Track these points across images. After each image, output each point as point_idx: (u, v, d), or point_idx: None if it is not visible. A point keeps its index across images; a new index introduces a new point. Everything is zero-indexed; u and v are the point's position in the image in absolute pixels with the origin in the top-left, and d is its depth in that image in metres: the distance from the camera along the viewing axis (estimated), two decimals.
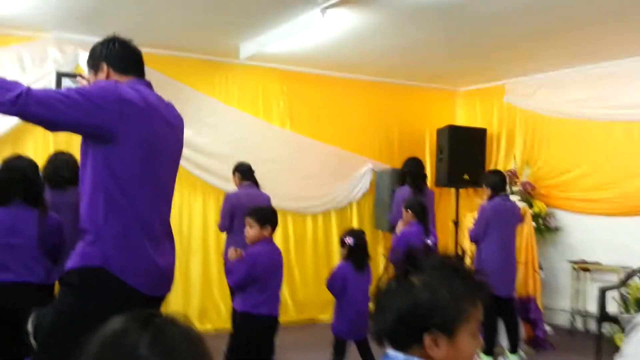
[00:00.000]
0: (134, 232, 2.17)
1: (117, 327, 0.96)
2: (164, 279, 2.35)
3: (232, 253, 3.82)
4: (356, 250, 4.31)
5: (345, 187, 7.09)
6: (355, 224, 7.03)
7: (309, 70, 6.86)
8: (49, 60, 5.47)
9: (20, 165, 3.30)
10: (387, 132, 7.48)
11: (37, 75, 5.36)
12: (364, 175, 7.20)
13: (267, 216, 3.82)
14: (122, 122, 2.14)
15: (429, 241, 4.69)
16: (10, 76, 5.02)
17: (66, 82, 5.51)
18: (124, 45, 2.43)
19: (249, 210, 3.87)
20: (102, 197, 2.14)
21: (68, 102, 2.06)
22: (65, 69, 5.54)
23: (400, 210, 5.97)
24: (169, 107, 2.44)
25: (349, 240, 4.34)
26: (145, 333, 0.94)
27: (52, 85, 5.43)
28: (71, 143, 5.41)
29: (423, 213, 4.82)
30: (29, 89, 2.02)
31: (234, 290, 4.13)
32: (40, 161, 3.93)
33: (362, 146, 7.29)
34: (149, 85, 2.43)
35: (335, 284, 4.26)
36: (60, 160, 4.22)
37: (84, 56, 5.56)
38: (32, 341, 2.51)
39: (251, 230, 3.74)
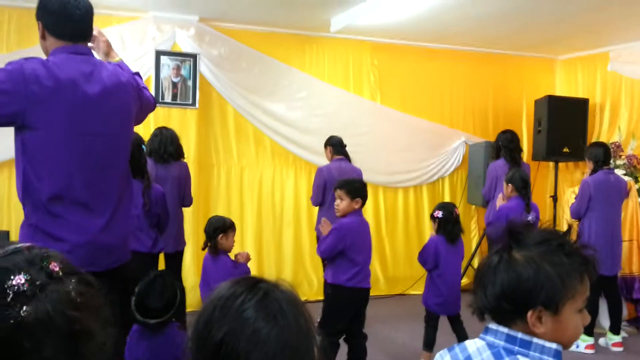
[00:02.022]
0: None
1: (226, 293, 1.00)
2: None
3: (323, 225, 3.87)
4: (447, 224, 4.25)
5: (437, 161, 6.96)
6: (447, 199, 6.90)
7: (400, 42, 6.74)
8: (147, 39, 5.68)
9: None
10: (481, 104, 7.24)
11: (137, 53, 5.59)
12: (457, 149, 7.04)
13: (358, 189, 3.80)
14: (31, 105, 2.13)
15: (530, 217, 4.53)
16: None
17: (164, 60, 5.73)
18: (62, 4, 2.26)
19: (339, 182, 3.89)
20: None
21: None
22: (163, 47, 5.75)
23: (494, 185, 5.83)
24: (102, 70, 2.32)
25: (439, 213, 4.28)
26: (252, 296, 1.00)
27: (151, 62, 5.66)
28: (170, 118, 5.67)
29: (525, 188, 4.65)
30: None
31: (324, 261, 4.19)
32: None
33: (454, 119, 7.11)
34: (80, 51, 2.31)
35: (427, 257, 4.22)
36: (165, 135, 4.42)
37: (180, 34, 5.78)
38: (135, 310, 2.67)
39: (341, 203, 3.75)
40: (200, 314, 1.02)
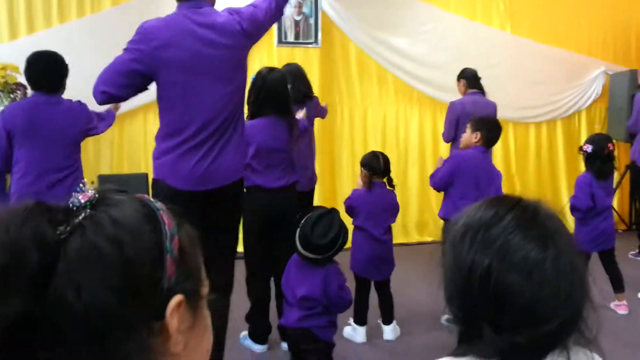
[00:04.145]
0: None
1: (486, 214, 0.89)
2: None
3: (438, 162, 3.80)
4: (594, 160, 3.93)
5: (574, 93, 6.45)
6: (584, 134, 6.43)
7: None
8: None
9: (273, 78, 3.37)
10: (622, 28, 6.59)
11: None
12: (596, 79, 6.48)
13: (481, 123, 3.65)
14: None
15: None
16: None
17: None
18: None
19: (471, 118, 3.76)
20: None
21: None
22: None
23: None
24: None
25: (588, 147, 3.97)
26: (515, 216, 0.90)
27: None
28: (293, 57, 5.57)
29: None
30: None
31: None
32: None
33: (592, 47, 6.53)
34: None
35: (582, 202, 3.93)
36: (299, 73, 4.26)
37: None
38: (298, 243, 2.68)
39: (464, 135, 3.69)
40: (456, 239, 0.92)
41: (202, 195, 2.59)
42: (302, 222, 2.67)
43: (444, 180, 3.64)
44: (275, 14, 2.75)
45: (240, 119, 2.72)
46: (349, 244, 3.18)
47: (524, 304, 0.85)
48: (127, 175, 5.16)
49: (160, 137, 2.62)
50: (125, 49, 2.57)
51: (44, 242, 0.64)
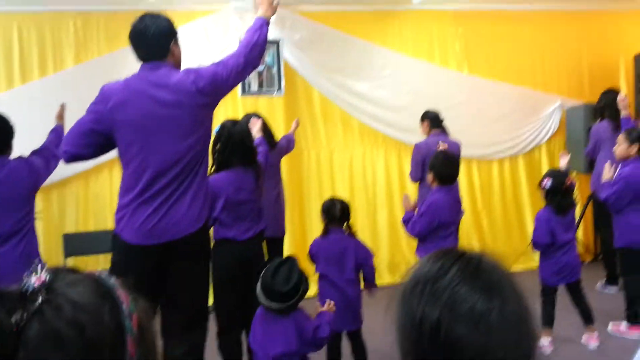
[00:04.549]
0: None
1: (432, 267, 0.92)
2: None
3: (405, 200, 3.93)
4: (555, 195, 4.02)
5: (533, 129, 6.63)
6: (545, 168, 6.58)
7: (485, 7, 6.44)
8: (231, 30, 5.68)
9: (238, 130, 3.42)
10: (575, 64, 6.83)
11: (221, 45, 5.59)
12: (553, 114, 6.67)
13: (432, 161, 3.94)
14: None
15: None
16: (197, 48, 5.28)
17: None
18: None
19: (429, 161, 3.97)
20: None
21: None
22: None
23: (598, 147, 5.47)
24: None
25: (547, 183, 4.06)
26: (463, 269, 0.92)
27: None
28: (257, 106, 5.65)
29: None
30: None
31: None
32: None
33: (548, 83, 6.74)
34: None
35: (541, 238, 4.02)
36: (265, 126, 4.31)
37: None
38: (261, 293, 2.68)
39: (428, 177, 3.91)
40: (403, 292, 0.95)
41: (157, 249, 2.63)
42: (262, 273, 2.70)
43: (425, 230, 3.75)
44: (246, 69, 2.81)
45: (200, 171, 2.76)
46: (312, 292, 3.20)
47: (473, 355, 0.86)
48: (93, 233, 5.09)
49: (120, 193, 2.72)
50: (87, 110, 2.69)
51: (1, 332, 0.63)
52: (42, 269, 0.72)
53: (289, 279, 2.65)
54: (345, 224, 3.57)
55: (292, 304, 2.66)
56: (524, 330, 0.91)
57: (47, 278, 0.70)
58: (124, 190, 2.70)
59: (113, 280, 0.76)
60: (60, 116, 3.82)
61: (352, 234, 3.57)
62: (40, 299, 0.68)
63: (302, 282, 2.68)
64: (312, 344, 2.67)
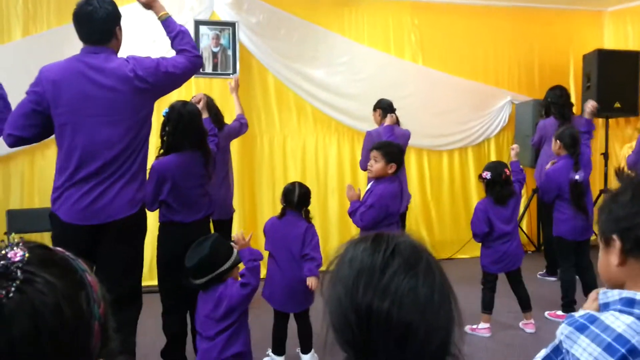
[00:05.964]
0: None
1: (373, 260, 0.95)
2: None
3: (349, 190, 3.81)
4: (494, 185, 4.14)
5: (483, 122, 6.78)
6: (493, 160, 6.74)
7: (440, 0, 6.54)
8: (186, 9, 5.61)
9: (189, 112, 3.32)
10: (526, 61, 7.01)
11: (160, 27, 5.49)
12: (503, 109, 6.84)
13: (394, 154, 3.71)
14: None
15: (577, 177, 4.36)
16: (150, 27, 5.15)
17: (203, 30, 5.66)
18: None
19: (377, 143, 3.84)
20: None
21: None
22: (202, 16, 5.68)
23: (543, 142, 5.64)
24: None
25: (487, 174, 4.18)
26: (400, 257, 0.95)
27: (191, 33, 5.57)
28: (211, 88, 5.59)
29: (574, 146, 4.45)
30: None
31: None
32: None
33: (499, 78, 6.90)
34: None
35: (478, 227, 4.14)
36: (211, 104, 4.26)
37: (218, 3, 5.68)
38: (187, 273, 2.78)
39: (375, 165, 3.69)
40: (339, 277, 0.98)
41: (90, 229, 2.70)
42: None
43: (374, 221, 3.64)
44: (191, 71, 2.97)
45: (138, 159, 2.82)
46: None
47: (422, 336, 0.90)
48: (38, 210, 4.98)
49: (55, 174, 2.77)
50: (27, 92, 2.73)
51: None
52: (17, 244, 0.71)
53: (195, 256, 2.72)
54: (303, 209, 3.58)
55: (213, 277, 2.72)
56: (446, 304, 0.96)
57: (23, 255, 0.70)
58: (58, 171, 2.76)
59: (82, 265, 0.76)
60: None
61: (307, 219, 3.59)
62: (18, 276, 0.67)
63: (210, 256, 2.70)
64: (245, 297, 2.70)
